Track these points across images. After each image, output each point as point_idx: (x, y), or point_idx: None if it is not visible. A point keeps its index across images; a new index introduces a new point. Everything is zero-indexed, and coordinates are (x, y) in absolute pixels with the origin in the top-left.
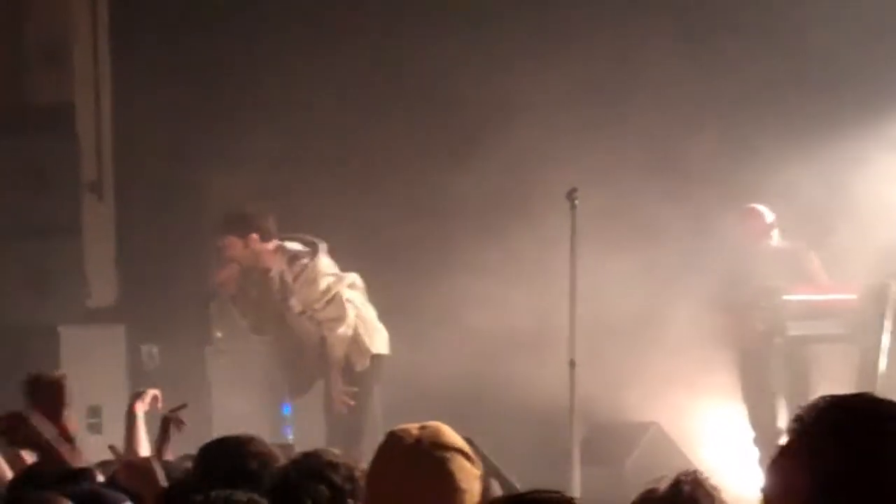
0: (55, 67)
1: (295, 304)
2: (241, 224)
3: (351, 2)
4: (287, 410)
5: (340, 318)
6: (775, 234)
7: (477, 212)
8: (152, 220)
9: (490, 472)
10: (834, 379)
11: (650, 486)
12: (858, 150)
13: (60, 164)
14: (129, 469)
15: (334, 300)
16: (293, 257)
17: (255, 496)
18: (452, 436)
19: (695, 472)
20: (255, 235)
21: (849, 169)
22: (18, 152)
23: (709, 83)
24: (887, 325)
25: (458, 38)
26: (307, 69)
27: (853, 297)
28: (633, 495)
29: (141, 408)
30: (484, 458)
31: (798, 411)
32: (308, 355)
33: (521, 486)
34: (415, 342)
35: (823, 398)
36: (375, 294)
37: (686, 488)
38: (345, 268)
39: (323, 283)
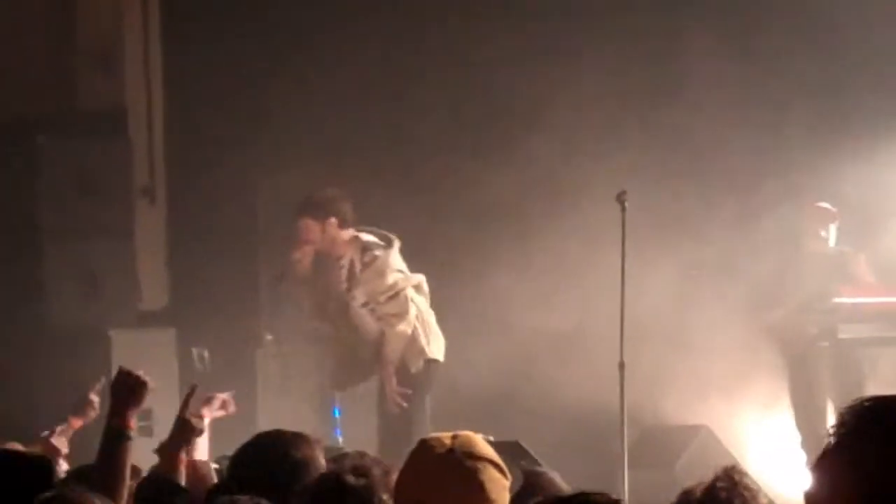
0: (107, 72)
1: (359, 294)
2: (322, 207)
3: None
4: (337, 413)
5: (401, 315)
6: (832, 236)
7: (518, 212)
8: (203, 224)
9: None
10: (885, 382)
11: (686, 488)
12: None
13: (113, 168)
14: (193, 469)
15: (398, 296)
16: (365, 247)
17: (263, 501)
18: (484, 446)
19: (732, 470)
20: (333, 220)
21: None
22: (71, 156)
23: (753, 85)
24: None
25: (501, 38)
26: (353, 70)
27: None
28: None
29: (208, 413)
30: (532, 460)
31: (840, 412)
32: (365, 350)
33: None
34: (457, 343)
35: (866, 399)
36: None
37: (723, 494)
38: None
39: (390, 278)
